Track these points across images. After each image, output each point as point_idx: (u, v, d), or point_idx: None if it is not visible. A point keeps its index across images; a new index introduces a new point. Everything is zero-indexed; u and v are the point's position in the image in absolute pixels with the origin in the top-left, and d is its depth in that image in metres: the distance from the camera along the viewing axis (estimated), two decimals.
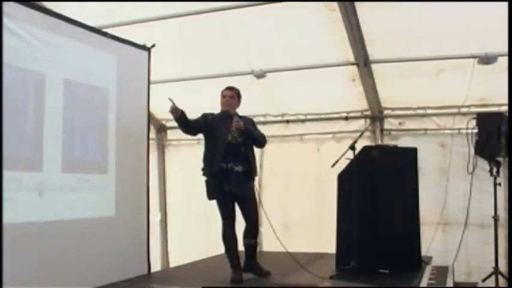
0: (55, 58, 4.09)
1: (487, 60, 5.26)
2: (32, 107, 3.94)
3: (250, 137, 4.56)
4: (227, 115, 4.55)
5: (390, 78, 5.87)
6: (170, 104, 4.32)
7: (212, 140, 4.52)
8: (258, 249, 6.44)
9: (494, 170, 5.31)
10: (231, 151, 4.44)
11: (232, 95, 4.62)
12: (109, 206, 4.60)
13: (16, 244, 3.61)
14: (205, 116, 4.63)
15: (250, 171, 4.54)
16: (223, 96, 4.63)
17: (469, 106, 5.92)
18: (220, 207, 4.48)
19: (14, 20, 3.70)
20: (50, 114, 4.05)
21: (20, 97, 3.84)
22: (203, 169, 4.53)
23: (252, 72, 6.11)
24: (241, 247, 4.66)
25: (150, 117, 5.58)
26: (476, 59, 5.29)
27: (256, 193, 4.65)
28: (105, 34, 4.68)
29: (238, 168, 4.45)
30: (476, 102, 5.86)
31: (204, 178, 4.52)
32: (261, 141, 4.69)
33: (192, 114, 7.04)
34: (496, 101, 5.74)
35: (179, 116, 4.37)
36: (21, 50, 3.79)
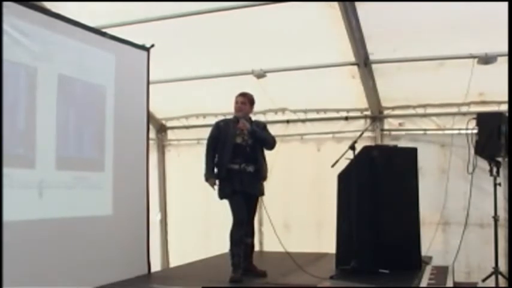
0: (52, 56, 4.07)
1: (486, 60, 5.27)
2: (24, 102, 3.89)
3: (258, 138, 4.65)
4: (238, 119, 4.65)
5: (390, 74, 5.87)
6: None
7: (221, 144, 4.63)
8: (259, 249, 6.46)
9: (494, 170, 5.30)
10: (241, 153, 4.57)
11: (244, 101, 4.71)
12: (106, 204, 4.58)
13: (11, 243, 3.55)
14: (217, 125, 4.74)
15: (260, 171, 4.63)
16: (235, 102, 4.73)
17: (468, 104, 5.93)
18: (233, 206, 4.55)
19: (12, 19, 3.69)
20: (44, 110, 4.00)
21: (12, 92, 3.78)
22: (216, 173, 4.63)
23: (252, 72, 6.11)
24: None
25: (150, 117, 5.58)
26: (476, 59, 5.30)
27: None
28: (104, 34, 4.68)
29: (250, 169, 4.57)
30: (476, 99, 5.87)
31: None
32: (270, 142, 4.76)
33: (192, 113, 7.09)
34: (495, 97, 5.76)
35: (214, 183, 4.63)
36: (16, 48, 3.76)
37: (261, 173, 4.65)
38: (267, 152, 4.78)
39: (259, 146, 4.68)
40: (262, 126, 4.84)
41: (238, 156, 4.54)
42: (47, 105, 4.05)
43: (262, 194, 4.74)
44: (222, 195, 4.60)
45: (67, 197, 4.19)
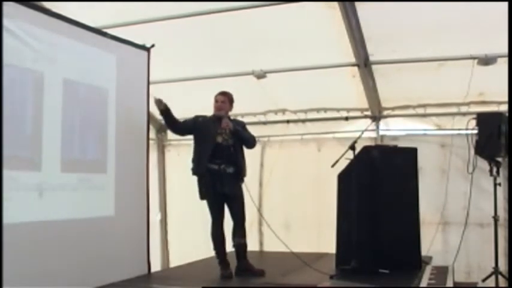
0: (54, 58, 4.08)
1: (486, 61, 5.28)
2: (30, 106, 3.91)
3: (240, 137, 4.67)
4: (218, 118, 4.65)
5: (390, 75, 5.87)
6: (159, 101, 4.55)
7: (201, 141, 4.66)
8: (259, 249, 6.46)
9: (494, 170, 5.31)
10: (222, 152, 4.58)
11: (224, 100, 4.73)
12: (108, 205, 4.59)
13: (15, 244, 3.57)
14: (196, 118, 4.77)
15: (239, 172, 4.65)
16: (215, 100, 4.75)
17: (468, 104, 5.93)
18: (211, 207, 4.62)
19: (13, 19, 3.69)
20: (49, 113, 4.02)
21: (19, 96, 3.81)
22: (192, 169, 4.66)
23: (252, 73, 6.11)
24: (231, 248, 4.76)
25: (150, 117, 5.57)
26: (476, 60, 5.30)
27: (248, 194, 4.74)
28: (104, 34, 4.68)
29: (230, 170, 4.58)
30: (476, 99, 5.87)
31: (194, 178, 4.65)
32: (251, 142, 4.79)
33: (192, 114, 7.07)
34: (495, 97, 5.76)
35: (163, 108, 4.54)
36: (20, 49, 3.77)
37: (240, 174, 4.65)
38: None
39: (240, 146, 4.69)
40: (242, 125, 4.85)
41: (218, 157, 4.55)
42: (52, 109, 4.07)
43: (240, 195, 4.68)
44: (202, 196, 4.63)
45: (71, 199, 4.21)
